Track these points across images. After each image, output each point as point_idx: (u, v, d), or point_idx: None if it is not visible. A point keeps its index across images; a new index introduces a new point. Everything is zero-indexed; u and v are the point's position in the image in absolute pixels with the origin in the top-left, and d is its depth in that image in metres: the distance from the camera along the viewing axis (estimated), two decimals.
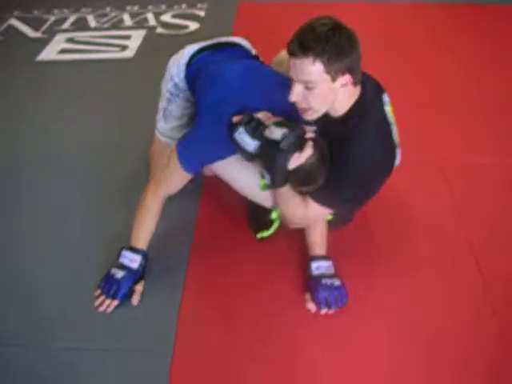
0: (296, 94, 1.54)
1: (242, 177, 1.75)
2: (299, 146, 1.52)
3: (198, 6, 4.05)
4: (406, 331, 1.66)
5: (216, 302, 1.78)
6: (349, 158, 1.59)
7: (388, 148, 1.69)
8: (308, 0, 3.77)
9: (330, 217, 1.85)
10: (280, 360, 1.59)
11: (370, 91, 1.65)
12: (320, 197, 1.65)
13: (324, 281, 1.71)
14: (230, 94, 1.68)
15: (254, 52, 2.06)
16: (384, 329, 1.66)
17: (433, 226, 2.02)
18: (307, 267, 1.76)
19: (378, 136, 1.64)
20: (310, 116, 1.61)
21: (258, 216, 1.95)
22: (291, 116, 1.62)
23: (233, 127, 1.57)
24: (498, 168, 2.31)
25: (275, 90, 1.68)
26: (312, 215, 1.70)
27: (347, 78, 1.52)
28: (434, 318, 1.69)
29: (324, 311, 1.69)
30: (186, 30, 3.68)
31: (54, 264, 1.92)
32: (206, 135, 1.69)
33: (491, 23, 3.64)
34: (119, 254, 1.78)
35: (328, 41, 1.44)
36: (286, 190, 1.63)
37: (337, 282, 1.72)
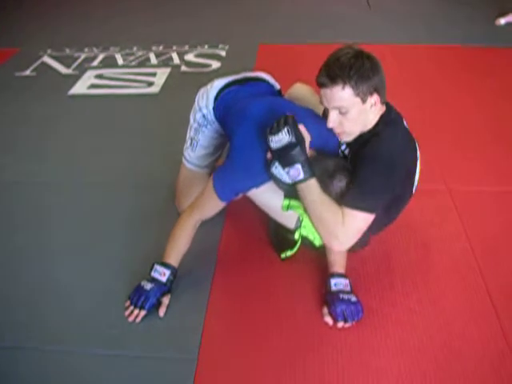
0: (333, 121, 1.70)
1: (269, 200, 1.91)
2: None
3: (220, 46, 4.25)
4: (418, 343, 1.73)
5: (238, 314, 1.88)
6: (376, 153, 1.69)
7: (413, 151, 1.80)
8: (326, 42, 3.92)
9: None
10: (299, 367, 1.67)
11: (394, 111, 1.82)
12: (354, 200, 1.67)
13: (341, 295, 1.79)
14: (259, 130, 1.79)
15: (277, 87, 2.19)
16: (398, 342, 1.74)
17: (444, 250, 2.11)
18: (326, 283, 1.85)
19: (404, 139, 1.78)
20: (346, 138, 1.77)
21: (279, 237, 2.07)
22: (322, 143, 1.79)
23: (269, 162, 1.72)
24: (507, 195, 2.42)
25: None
26: (352, 228, 1.68)
27: (375, 97, 1.68)
28: (446, 333, 1.77)
29: (341, 324, 1.77)
30: (209, 69, 3.86)
31: (87, 278, 2.04)
32: (239, 169, 1.81)
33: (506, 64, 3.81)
34: (151, 267, 1.89)
35: (352, 67, 1.61)
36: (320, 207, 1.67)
37: (353, 298, 1.80)
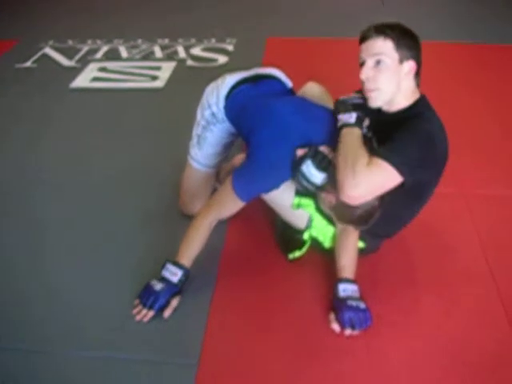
0: (366, 71, 1.69)
1: (281, 198, 1.85)
2: None
3: (227, 40, 4.19)
4: (429, 355, 1.68)
5: (241, 318, 1.82)
6: (416, 127, 1.67)
7: (446, 139, 1.76)
8: (336, 36, 3.86)
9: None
10: (303, 374, 1.62)
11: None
12: (385, 152, 1.62)
13: (349, 302, 1.73)
14: (287, 129, 1.75)
15: (290, 85, 2.11)
16: (407, 351, 1.69)
17: (456, 255, 2.06)
18: (334, 288, 1.79)
19: (443, 127, 1.75)
20: (375, 100, 1.73)
21: (287, 237, 2.01)
22: None
23: (299, 160, 1.67)
24: None
25: (326, 123, 1.77)
26: (372, 176, 1.58)
27: (412, 64, 1.69)
28: (457, 343, 1.71)
29: (348, 332, 1.71)
30: (215, 63, 3.80)
31: (89, 279, 1.99)
32: (262, 167, 1.75)
33: None
34: (163, 266, 1.84)
35: (397, 28, 1.70)
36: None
37: (362, 305, 1.74)
